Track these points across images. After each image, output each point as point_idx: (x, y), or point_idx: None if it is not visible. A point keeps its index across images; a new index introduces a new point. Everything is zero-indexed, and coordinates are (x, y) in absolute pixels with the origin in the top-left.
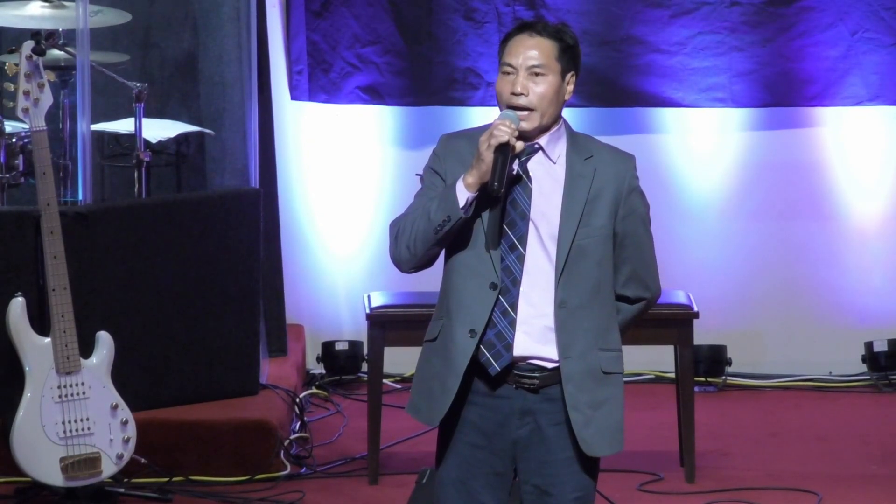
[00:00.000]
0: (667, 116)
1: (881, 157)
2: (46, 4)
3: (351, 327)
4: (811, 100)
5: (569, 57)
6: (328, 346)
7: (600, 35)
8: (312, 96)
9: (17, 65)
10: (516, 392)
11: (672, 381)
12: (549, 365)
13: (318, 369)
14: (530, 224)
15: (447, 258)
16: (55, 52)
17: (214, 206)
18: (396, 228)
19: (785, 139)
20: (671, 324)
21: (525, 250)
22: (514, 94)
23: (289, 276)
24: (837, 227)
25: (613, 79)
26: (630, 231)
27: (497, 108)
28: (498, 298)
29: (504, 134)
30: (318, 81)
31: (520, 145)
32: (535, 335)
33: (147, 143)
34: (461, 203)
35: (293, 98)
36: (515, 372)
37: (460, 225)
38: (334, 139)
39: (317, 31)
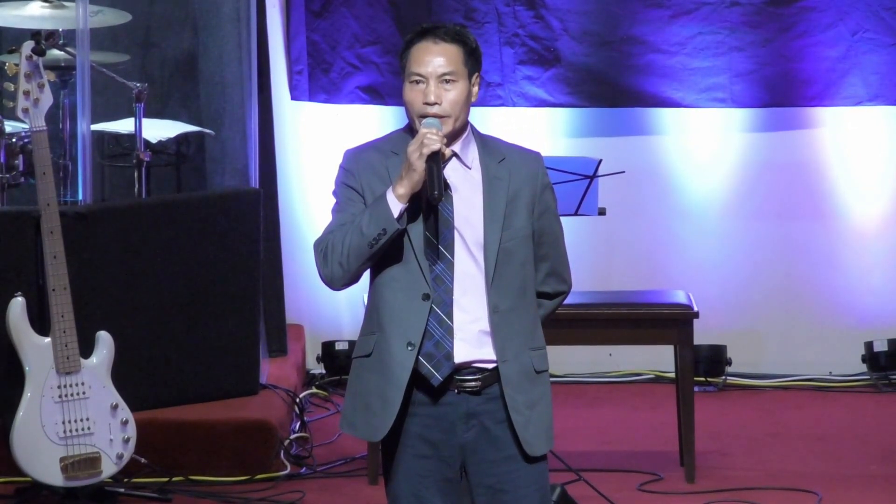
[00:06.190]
0: (667, 117)
1: (881, 157)
2: (46, 4)
3: (351, 327)
4: (811, 100)
5: (474, 60)
6: (328, 346)
7: (600, 35)
8: (312, 96)
9: (17, 65)
10: (459, 397)
11: (672, 381)
12: (489, 366)
13: (318, 369)
14: (455, 232)
15: (374, 274)
16: (55, 52)
17: (214, 206)
18: (324, 247)
19: (785, 139)
20: (671, 324)
21: (453, 258)
22: (426, 104)
23: (289, 276)
24: (837, 228)
25: (613, 79)
26: (547, 228)
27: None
28: (432, 308)
29: (435, 142)
30: (318, 81)
31: (448, 152)
32: (471, 341)
33: (147, 143)
34: (395, 214)
35: (293, 98)
36: (457, 378)
37: (395, 237)
38: (334, 139)
39: (317, 31)
